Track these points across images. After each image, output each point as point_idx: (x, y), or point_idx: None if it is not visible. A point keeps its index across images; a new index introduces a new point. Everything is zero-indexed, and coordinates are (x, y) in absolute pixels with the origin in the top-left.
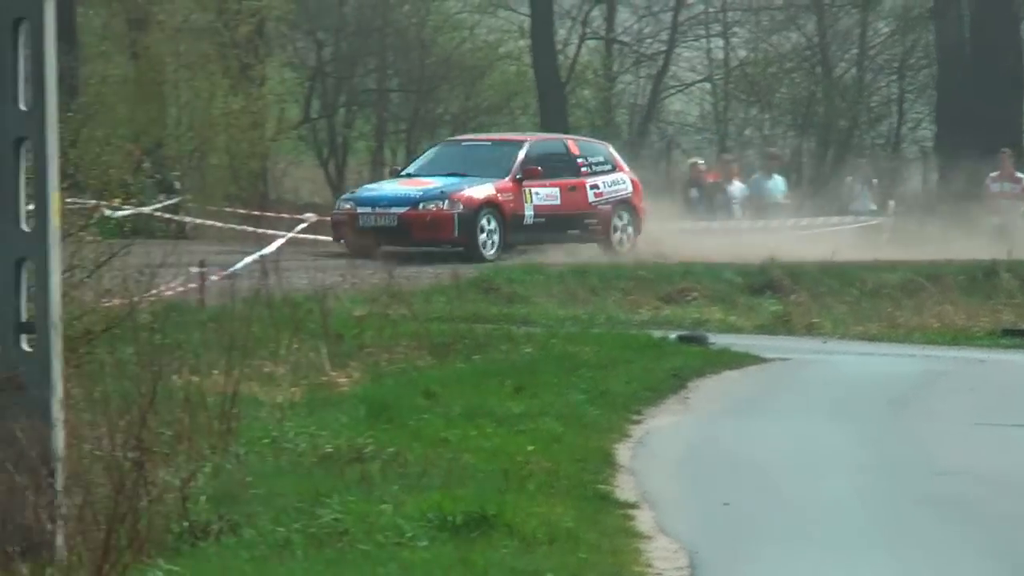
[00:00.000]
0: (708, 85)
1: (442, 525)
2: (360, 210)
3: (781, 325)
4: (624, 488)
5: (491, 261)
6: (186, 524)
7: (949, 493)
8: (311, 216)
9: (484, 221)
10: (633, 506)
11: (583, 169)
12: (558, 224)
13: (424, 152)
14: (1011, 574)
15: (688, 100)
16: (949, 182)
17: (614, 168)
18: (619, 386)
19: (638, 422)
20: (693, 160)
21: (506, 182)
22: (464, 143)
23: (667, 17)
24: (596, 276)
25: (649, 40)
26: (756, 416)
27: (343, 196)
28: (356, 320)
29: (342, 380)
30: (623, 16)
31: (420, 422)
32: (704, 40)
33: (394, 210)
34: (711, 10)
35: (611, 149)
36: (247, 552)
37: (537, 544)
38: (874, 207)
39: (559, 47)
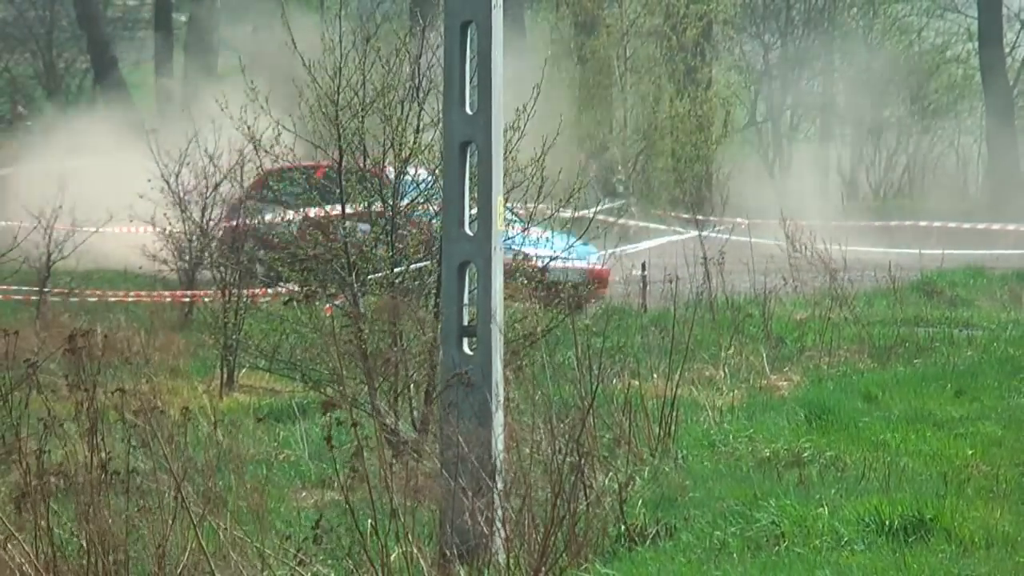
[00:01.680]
0: None
1: (879, 529)
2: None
3: None
4: None
5: None
6: (623, 528)
7: None
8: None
9: None
10: None
11: None
12: None
13: None
14: None
15: None
16: None
17: None
18: None
19: None
20: None
21: None
22: None
23: None
24: None
25: None
26: None
27: None
28: (797, 323)
29: (782, 384)
30: None
31: (859, 426)
32: None
33: None
34: None
35: None
36: (683, 556)
37: (975, 548)
38: None
39: (1007, 49)
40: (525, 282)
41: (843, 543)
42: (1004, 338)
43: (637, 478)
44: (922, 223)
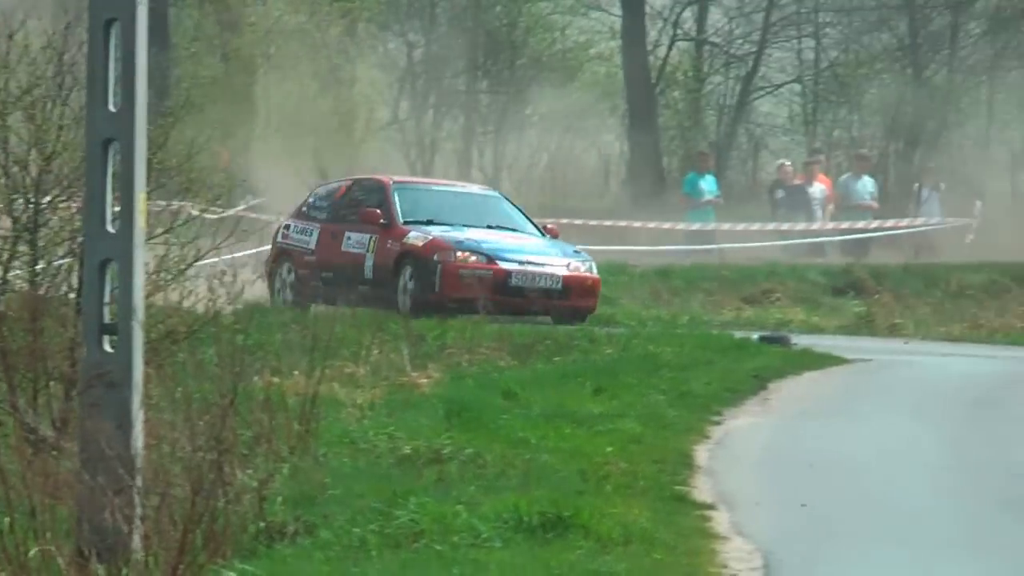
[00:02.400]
0: (798, 86)
1: (518, 526)
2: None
3: (864, 326)
4: (701, 489)
5: None
6: (262, 525)
7: None
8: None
9: None
10: (710, 507)
11: None
12: None
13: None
14: None
15: (777, 101)
16: None
17: None
18: (699, 387)
19: (717, 423)
20: (781, 161)
21: None
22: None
23: (759, 18)
24: (680, 277)
25: (740, 41)
26: (836, 417)
27: (454, 240)
28: (438, 321)
29: (423, 381)
30: (714, 17)
31: (499, 423)
32: (795, 41)
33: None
34: (803, 11)
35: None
36: (322, 553)
37: (613, 545)
38: (937, 217)
39: (650, 48)
40: (476, 283)
41: (481, 540)
42: (644, 335)
43: (276, 475)
44: (563, 220)
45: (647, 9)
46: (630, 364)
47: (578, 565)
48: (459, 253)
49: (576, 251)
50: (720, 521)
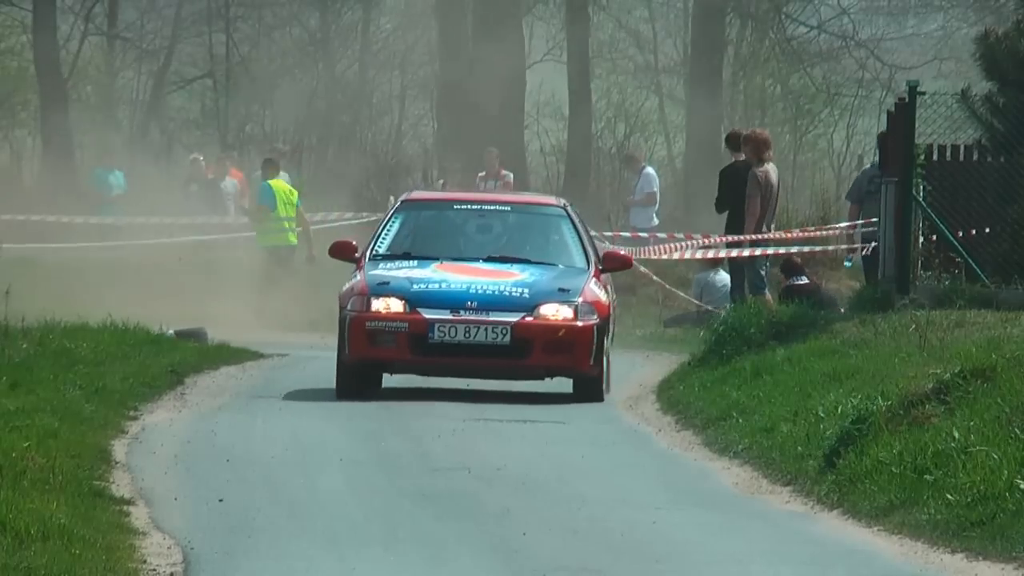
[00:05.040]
0: (210, 81)
1: None
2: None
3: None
4: (120, 484)
5: None
6: None
7: (445, 489)
8: None
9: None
10: (129, 502)
11: None
12: None
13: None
14: (504, 565)
15: (190, 96)
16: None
17: None
18: (116, 382)
19: (135, 418)
20: (193, 156)
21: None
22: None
23: (171, 12)
24: (95, 271)
25: (152, 36)
26: (254, 411)
27: (376, 282)
28: None
29: None
30: (127, 13)
31: None
32: (207, 35)
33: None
34: (214, 5)
35: None
36: None
37: (31, 541)
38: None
39: (61, 42)
40: (389, 339)
41: None
42: (59, 330)
43: None
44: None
45: (58, 3)
46: (46, 359)
47: None
48: (374, 300)
49: (563, 290)
50: (139, 516)
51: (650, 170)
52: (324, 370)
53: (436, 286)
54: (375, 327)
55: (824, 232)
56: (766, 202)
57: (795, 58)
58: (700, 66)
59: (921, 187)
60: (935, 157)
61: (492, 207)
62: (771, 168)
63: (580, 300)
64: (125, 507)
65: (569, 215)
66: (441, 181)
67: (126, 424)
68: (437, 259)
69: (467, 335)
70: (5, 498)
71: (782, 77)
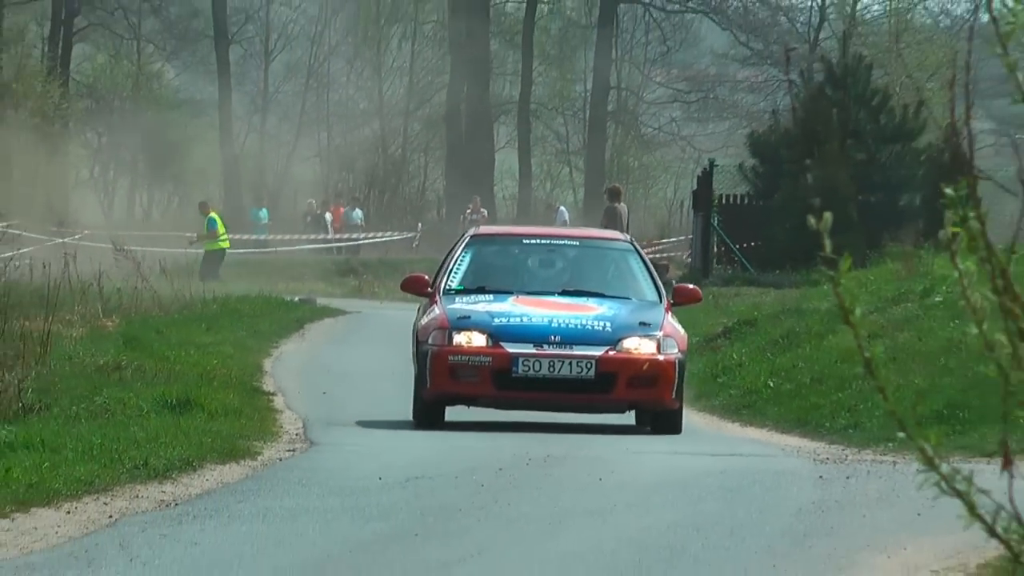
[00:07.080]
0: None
1: (164, 405)
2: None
3: (356, 293)
4: (267, 384)
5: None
6: (21, 404)
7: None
8: None
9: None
10: (272, 394)
11: None
12: None
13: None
14: None
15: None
16: None
17: None
18: (265, 327)
19: (276, 347)
20: (309, 200)
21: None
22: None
23: None
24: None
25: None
26: (343, 344)
27: (456, 316)
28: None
29: (109, 324)
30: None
31: (153, 348)
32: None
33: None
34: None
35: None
36: (55, 422)
37: (217, 415)
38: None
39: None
40: (472, 373)
41: (143, 413)
42: (233, 299)
43: (28, 377)
44: None
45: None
46: (226, 314)
47: (200, 426)
48: (456, 335)
49: (644, 323)
50: (278, 402)
51: (563, 208)
52: (384, 320)
53: (518, 320)
54: (458, 361)
55: (660, 243)
56: (621, 226)
57: (645, 145)
58: (593, 149)
59: (716, 218)
60: (724, 202)
61: (561, 241)
62: (623, 207)
63: (661, 334)
64: (270, 397)
65: (636, 250)
66: (466, 212)
67: (271, 350)
68: (512, 293)
69: (551, 369)
70: (205, 392)
71: (639, 156)
